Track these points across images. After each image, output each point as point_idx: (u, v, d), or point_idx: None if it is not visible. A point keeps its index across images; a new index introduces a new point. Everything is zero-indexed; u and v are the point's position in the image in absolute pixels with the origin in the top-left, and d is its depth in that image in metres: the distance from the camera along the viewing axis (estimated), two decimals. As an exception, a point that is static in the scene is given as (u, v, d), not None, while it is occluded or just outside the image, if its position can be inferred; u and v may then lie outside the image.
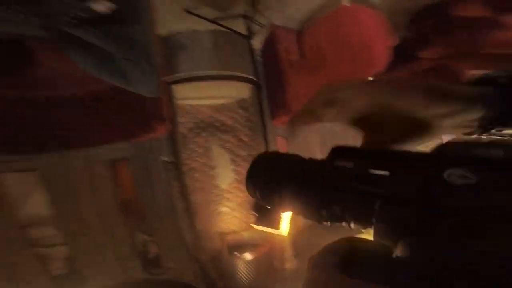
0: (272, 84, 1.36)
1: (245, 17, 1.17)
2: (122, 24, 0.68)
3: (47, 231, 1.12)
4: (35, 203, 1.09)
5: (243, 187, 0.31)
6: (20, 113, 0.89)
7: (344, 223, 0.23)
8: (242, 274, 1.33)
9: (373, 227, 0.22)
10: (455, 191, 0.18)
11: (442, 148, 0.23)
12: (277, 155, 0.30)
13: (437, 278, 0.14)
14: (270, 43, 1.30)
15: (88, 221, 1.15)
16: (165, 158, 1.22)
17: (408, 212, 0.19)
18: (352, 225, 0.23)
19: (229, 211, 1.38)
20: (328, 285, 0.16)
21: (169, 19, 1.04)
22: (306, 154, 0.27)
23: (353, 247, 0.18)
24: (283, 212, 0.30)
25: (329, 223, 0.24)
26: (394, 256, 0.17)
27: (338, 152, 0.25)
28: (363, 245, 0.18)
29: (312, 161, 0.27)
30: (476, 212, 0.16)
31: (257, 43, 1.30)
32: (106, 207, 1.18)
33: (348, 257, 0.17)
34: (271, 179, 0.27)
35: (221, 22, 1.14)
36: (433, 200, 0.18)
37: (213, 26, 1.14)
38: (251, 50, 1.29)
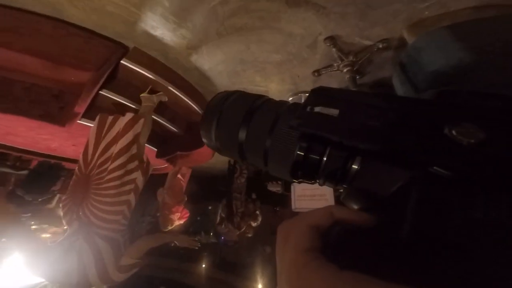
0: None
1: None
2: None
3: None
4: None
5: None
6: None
7: (317, 181, 0.20)
8: None
9: (347, 187, 0.18)
10: (459, 150, 0.13)
11: (442, 97, 0.17)
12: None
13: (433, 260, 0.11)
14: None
15: None
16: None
17: (397, 174, 0.14)
18: (323, 183, 0.19)
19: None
20: (317, 279, 0.13)
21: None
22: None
23: (337, 221, 0.15)
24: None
25: (296, 181, 0.21)
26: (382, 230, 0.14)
27: (320, 95, 0.20)
28: (347, 217, 0.15)
29: (284, 103, 0.22)
30: (485, 177, 0.12)
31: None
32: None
33: (333, 236, 0.15)
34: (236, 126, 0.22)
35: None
36: (430, 162, 0.14)
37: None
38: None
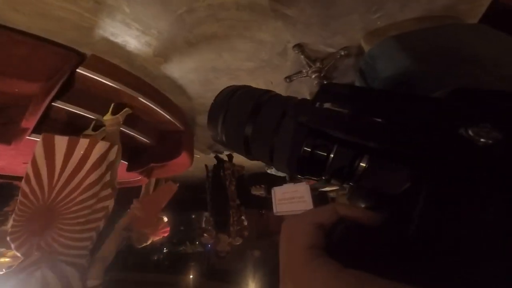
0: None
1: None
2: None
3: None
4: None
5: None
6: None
7: (322, 178, 0.19)
8: None
9: (354, 185, 0.17)
10: (475, 151, 0.13)
11: (456, 96, 0.16)
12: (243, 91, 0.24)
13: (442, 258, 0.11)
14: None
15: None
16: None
17: (406, 173, 0.14)
18: (329, 179, 0.19)
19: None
20: (322, 277, 0.13)
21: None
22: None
23: (341, 219, 0.15)
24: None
25: (302, 177, 0.20)
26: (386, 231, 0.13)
27: (329, 92, 0.20)
28: (352, 215, 0.15)
29: (291, 99, 0.21)
30: (499, 178, 0.12)
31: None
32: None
33: (337, 234, 0.14)
34: (241, 121, 0.22)
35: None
36: (444, 161, 0.13)
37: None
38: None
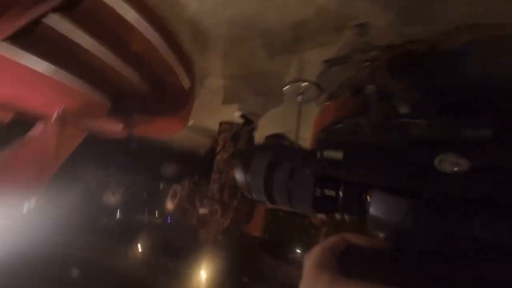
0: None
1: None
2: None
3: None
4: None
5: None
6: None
7: (337, 215, 0.24)
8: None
9: (366, 218, 0.21)
10: (447, 180, 0.17)
11: (429, 131, 0.21)
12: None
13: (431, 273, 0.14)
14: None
15: None
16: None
17: (401, 203, 0.18)
18: (345, 216, 0.24)
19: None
20: (329, 285, 0.16)
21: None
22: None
23: (350, 245, 0.19)
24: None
25: (323, 215, 0.28)
26: (389, 251, 0.18)
27: (325, 140, 0.27)
28: (358, 242, 0.19)
29: (298, 150, 0.30)
30: (470, 203, 0.15)
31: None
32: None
33: (346, 256, 0.18)
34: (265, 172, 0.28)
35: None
36: (425, 191, 0.17)
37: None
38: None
